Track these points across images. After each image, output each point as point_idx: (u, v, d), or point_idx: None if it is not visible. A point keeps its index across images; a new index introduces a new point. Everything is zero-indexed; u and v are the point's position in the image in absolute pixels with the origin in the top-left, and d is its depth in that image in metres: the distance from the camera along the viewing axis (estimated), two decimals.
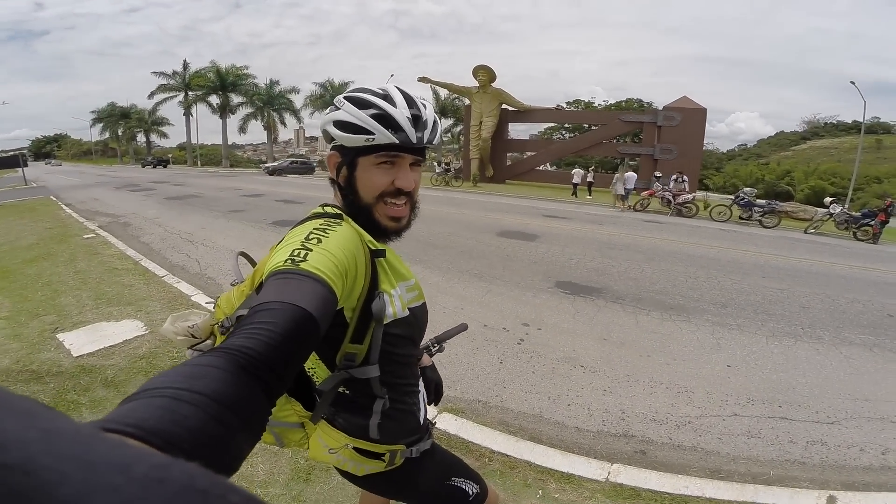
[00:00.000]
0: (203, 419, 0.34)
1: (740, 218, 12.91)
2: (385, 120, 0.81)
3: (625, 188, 15.01)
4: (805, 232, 11.84)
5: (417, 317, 0.94)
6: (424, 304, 0.98)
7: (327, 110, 0.87)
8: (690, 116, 20.56)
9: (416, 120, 0.84)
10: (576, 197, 18.13)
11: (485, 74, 22.86)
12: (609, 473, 2.18)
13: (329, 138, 0.87)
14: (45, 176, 29.75)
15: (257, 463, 2.12)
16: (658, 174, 16.05)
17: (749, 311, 4.59)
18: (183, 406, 0.34)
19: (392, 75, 39.64)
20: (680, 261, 6.76)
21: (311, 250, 0.69)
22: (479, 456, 2.28)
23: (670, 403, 2.86)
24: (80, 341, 3.40)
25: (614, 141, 23.28)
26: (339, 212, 0.86)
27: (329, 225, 0.78)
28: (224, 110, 39.79)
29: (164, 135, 53.60)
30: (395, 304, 0.86)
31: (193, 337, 0.80)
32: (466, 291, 4.91)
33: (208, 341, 0.82)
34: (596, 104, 49.63)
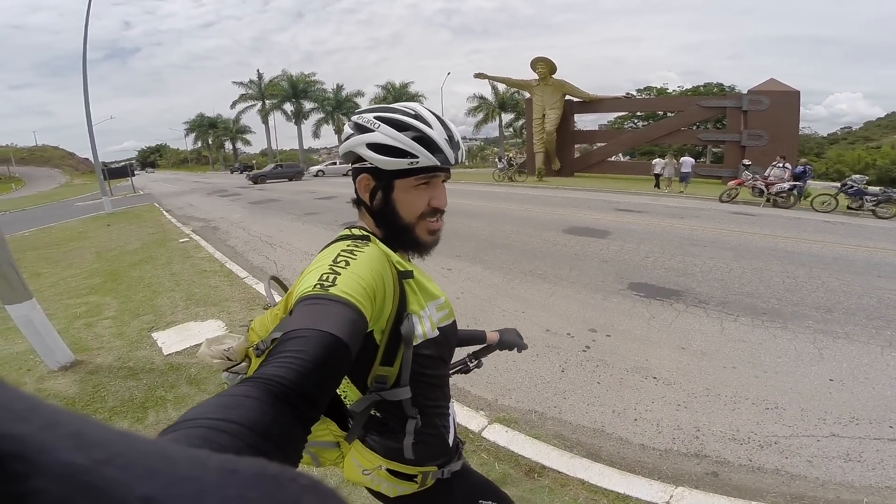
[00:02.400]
0: (240, 448, 0.34)
1: (849, 208, 11.34)
2: (426, 142, 0.82)
3: (681, 172, 15.58)
4: None
5: (448, 336, 0.93)
6: (454, 322, 0.97)
7: (352, 130, 0.86)
8: (781, 99, 18.52)
9: (451, 140, 0.85)
10: (658, 189, 16.95)
11: (544, 66, 22.13)
12: (671, 497, 1.99)
13: (354, 159, 0.86)
14: (150, 184, 33.56)
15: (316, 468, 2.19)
16: (747, 162, 14.58)
17: (860, 316, 3.99)
18: (221, 436, 0.34)
19: (448, 73, 40.02)
20: (776, 258, 6.05)
21: (339, 274, 0.69)
22: (528, 471, 2.18)
23: (755, 421, 2.57)
24: (171, 340, 3.75)
25: (693, 128, 21.54)
26: (365, 233, 0.86)
27: (356, 247, 0.78)
28: (298, 116, 42.32)
29: (247, 142, 57.96)
30: (424, 325, 0.86)
31: (229, 360, 0.81)
32: (528, 293, 4.76)
33: (243, 363, 0.83)
34: (670, 90, 46.23)
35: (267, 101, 42.68)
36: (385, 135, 0.81)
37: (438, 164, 0.83)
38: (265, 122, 44.94)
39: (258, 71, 43.34)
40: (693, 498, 1.99)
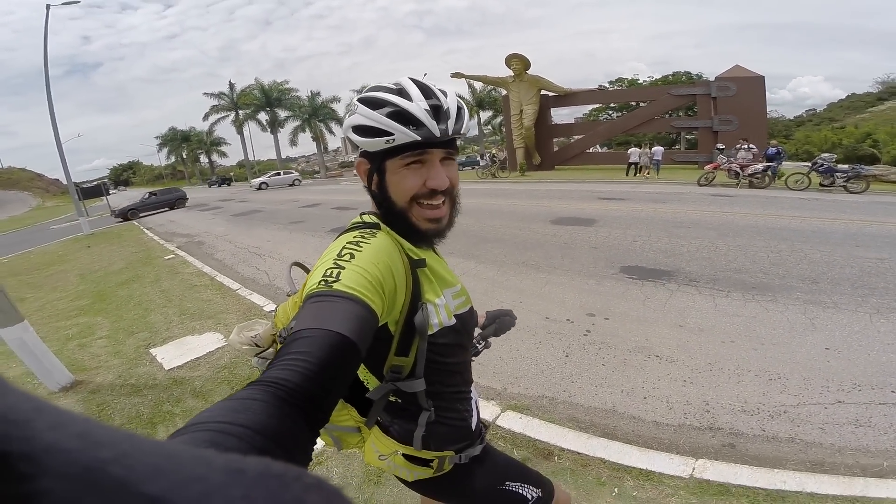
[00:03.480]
0: (246, 451, 0.35)
1: (821, 185, 11.73)
2: (402, 117, 0.75)
3: (654, 160, 16.56)
4: None
5: (465, 323, 0.91)
6: (472, 308, 0.95)
7: (347, 115, 0.83)
8: (747, 85, 19.20)
9: (437, 111, 0.78)
10: (633, 176, 17.36)
11: (518, 63, 22.38)
12: (694, 469, 2.03)
13: (354, 145, 0.83)
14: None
15: (332, 467, 2.21)
16: (721, 146, 14.99)
17: (845, 285, 4.14)
18: (228, 439, 0.35)
19: (425, 74, 39.58)
20: (758, 234, 6.24)
21: (343, 268, 0.67)
22: (547, 455, 2.22)
23: (761, 392, 2.64)
24: (170, 355, 3.69)
25: (666, 116, 22.03)
26: (376, 220, 0.84)
27: (363, 237, 0.76)
28: (273, 125, 41.79)
29: (223, 154, 56.94)
30: (440, 314, 0.84)
31: (257, 346, 0.81)
32: (524, 284, 4.82)
33: (271, 349, 0.83)
34: (641, 81, 47.21)
35: (240, 112, 42.01)
36: (362, 115, 0.77)
37: (418, 138, 0.75)
38: (240, 132, 44.18)
39: (230, 81, 42.42)
40: (716, 469, 2.03)
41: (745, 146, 13.69)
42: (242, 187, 35.22)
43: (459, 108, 0.81)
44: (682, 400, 2.62)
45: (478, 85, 33.70)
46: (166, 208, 21.65)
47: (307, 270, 0.98)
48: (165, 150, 57.43)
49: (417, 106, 0.76)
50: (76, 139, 41.20)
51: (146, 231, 13.30)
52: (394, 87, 0.80)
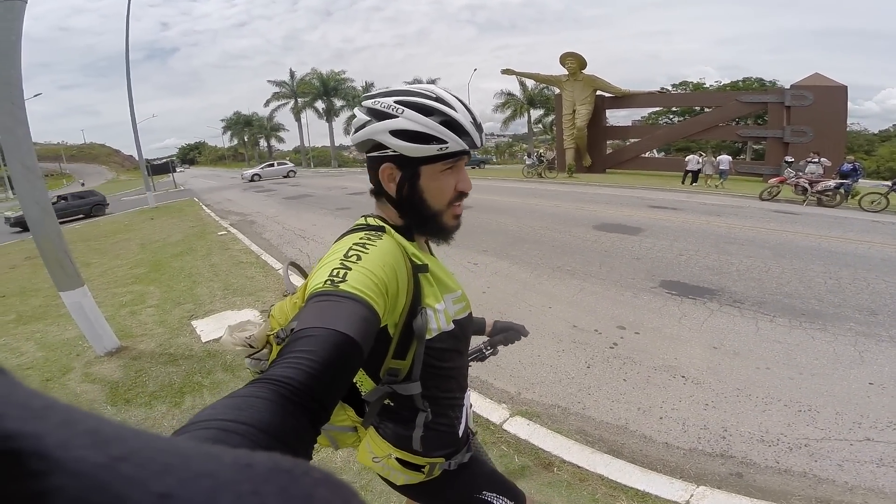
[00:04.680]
0: (250, 449, 0.36)
1: None
2: (452, 126, 0.78)
3: (719, 169, 15.87)
4: None
5: (464, 328, 0.92)
6: (471, 314, 0.96)
7: (367, 116, 0.81)
8: (827, 94, 17.63)
9: (475, 123, 0.83)
10: (690, 185, 16.51)
11: (574, 62, 21.78)
12: (692, 496, 1.95)
13: (372, 147, 0.82)
14: (190, 180, 34.93)
15: (335, 451, 2.28)
16: (789, 158, 13.94)
17: None
18: (231, 437, 0.35)
19: (475, 69, 39.59)
20: (818, 258, 5.79)
21: (349, 269, 0.68)
22: (547, 465, 2.18)
23: (786, 423, 2.49)
24: (209, 328, 3.92)
25: (732, 123, 20.73)
26: (381, 223, 0.84)
27: (369, 239, 0.77)
28: (329, 114, 43.09)
29: (281, 139, 59.46)
30: (439, 319, 0.84)
31: (251, 347, 0.81)
32: (556, 289, 4.73)
33: (265, 350, 0.82)
34: (707, 85, 44.62)
35: (299, 99, 43.60)
36: (411, 120, 0.77)
37: (467, 147, 0.80)
38: (297, 119, 45.89)
39: (290, 69, 44.12)
40: (714, 498, 1.95)
41: (816, 159, 12.68)
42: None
43: (480, 121, 0.86)
44: (699, 424, 2.51)
45: (529, 82, 33.12)
46: (81, 216, 16.55)
47: (303, 271, 1.02)
48: (229, 133, 60.60)
49: (464, 117, 0.80)
50: (151, 119, 44.36)
51: (205, 207, 14.15)
52: (431, 94, 0.81)
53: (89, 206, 16.95)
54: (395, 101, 0.79)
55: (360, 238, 0.77)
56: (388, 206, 0.87)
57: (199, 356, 3.42)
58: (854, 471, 2.14)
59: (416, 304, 0.80)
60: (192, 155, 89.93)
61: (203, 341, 3.67)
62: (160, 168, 26.51)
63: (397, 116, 0.78)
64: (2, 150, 3.11)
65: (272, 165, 30.84)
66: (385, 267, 0.72)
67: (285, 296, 0.89)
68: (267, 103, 45.26)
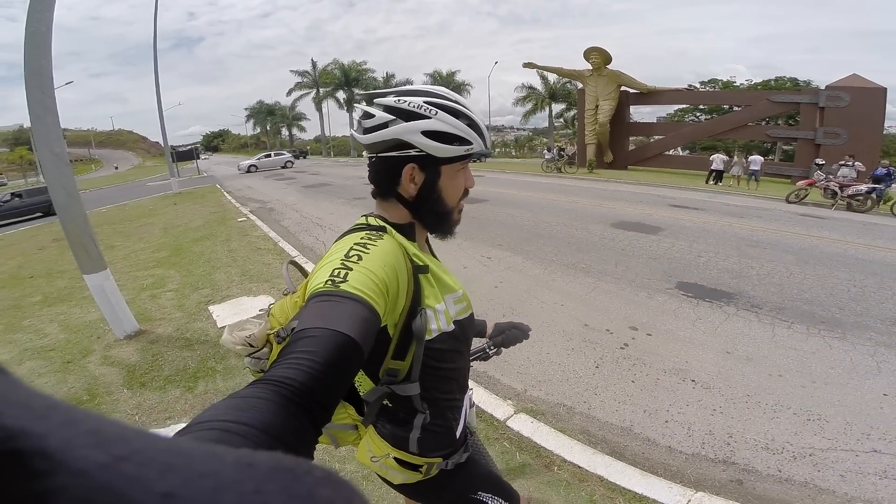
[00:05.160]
0: (252, 449, 0.37)
1: None
2: (477, 129, 0.83)
3: (750, 169, 15.52)
4: None
5: (465, 329, 0.92)
6: (472, 315, 0.96)
7: (390, 116, 0.80)
8: (864, 96, 16.88)
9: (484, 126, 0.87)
10: (714, 185, 16.11)
11: (598, 56, 21.34)
12: (689, 501, 1.95)
13: (391, 147, 0.81)
14: (213, 167, 35.59)
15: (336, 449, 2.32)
16: (820, 161, 13.46)
17: None
18: (232, 438, 0.35)
19: (496, 62, 39.33)
20: (843, 265, 5.60)
21: (350, 269, 0.68)
22: (548, 463, 2.19)
23: (793, 432, 2.45)
24: (225, 313, 4.02)
25: (762, 123, 20.06)
26: (382, 224, 0.84)
27: (370, 239, 0.77)
28: (349, 104, 43.27)
29: (302, 128, 60.04)
30: (439, 320, 0.85)
31: (251, 346, 0.81)
32: (570, 287, 4.69)
33: (265, 349, 0.82)
34: (737, 84, 43.20)
35: (321, 89, 43.90)
36: (444, 122, 0.79)
37: (487, 149, 0.85)
38: (319, 109, 46.26)
39: (312, 59, 44.44)
40: None
41: (850, 163, 12.21)
42: (315, 161, 36.63)
43: None
44: (704, 429, 2.49)
45: (551, 76, 32.64)
46: (39, 214, 15.11)
47: (303, 270, 1.03)
48: (252, 122, 61.43)
49: (480, 120, 0.84)
50: (176, 107, 45.13)
51: (226, 194, 14.43)
52: (452, 97, 0.84)
53: (48, 204, 14.00)
54: (426, 102, 0.80)
55: (361, 238, 0.77)
56: (395, 205, 0.87)
57: (214, 341, 3.50)
58: (856, 482, 2.11)
59: (415, 305, 0.80)
60: (215, 142, 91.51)
61: (219, 326, 3.76)
62: (184, 155, 27.05)
63: (430, 118, 0.79)
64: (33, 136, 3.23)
65: (269, 156, 29.56)
66: (386, 267, 0.72)
67: (285, 294, 0.90)
68: (289, 92, 45.79)
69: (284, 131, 62.40)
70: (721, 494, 2.02)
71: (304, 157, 46.47)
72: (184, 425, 0.37)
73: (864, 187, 11.14)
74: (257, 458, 0.19)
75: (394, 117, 0.79)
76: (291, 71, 44.86)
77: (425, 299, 0.83)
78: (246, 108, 60.61)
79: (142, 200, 15.24)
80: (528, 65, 25.60)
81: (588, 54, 21.66)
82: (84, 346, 3.62)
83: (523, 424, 2.46)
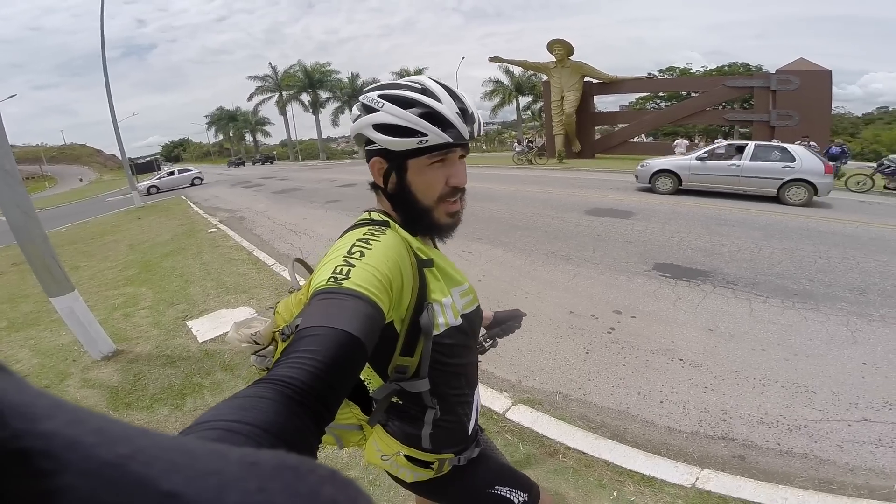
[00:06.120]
0: (255, 448, 0.36)
1: (886, 188, 10.87)
2: (434, 118, 0.76)
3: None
4: None
5: (472, 323, 0.90)
6: (479, 307, 0.94)
7: (359, 111, 0.81)
8: (811, 79, 17.90)
9: (464, 114, 0.79)
10: None
11: (561, 48, 21.73)
12: (697, 479, 1.98)
13: (364, 142, 0.81)
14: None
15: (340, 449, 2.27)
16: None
17: None
18: (235, 437, 0.35)
19: (463, 58, 39.19)
20: (807, 238, 5.88)
21: (353, 266, 0.67)
22: (552, 452, 2.20)
23: (784, 405, 2.52)
24: (205, 328, 3.87)
25: (720, 108, 20.85)
26: (385, 218, 0.83)
27: (373, 234, 0.76)
28: (315, 106, 42.64)
29: (267, 133, 58.62)
30: (446, 314, 0.83)
31: (256, 343, 0.79)
32: (552, 275, 4.74)
33: (270, 347, 0.81)
34: (694, 70, 44.80)
35: (284, 92, 43.02)
36: (390, 114, 0.76)
37: (450, 140, 0.77)
38: (283, 113, 45.34)
39: (270, 63, 43.64)
40: (719, 480, 1.97)
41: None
42: (283, 166, 35.90)
43: (475, 111, 0.83)
44: (699, 407, 2.54)
45: (517, 70, 33.02)
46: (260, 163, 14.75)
47: (308, 267, 1.00)
48: (213, 129, 59.69)
49: (448, 108, 0.77)
50: (131, 117, 43.22)
51: (192, 205, 13.93)
52: (417, 86, 0.79)
53: (265, 159, 13.93)
54: (378, 95, 0.78)
55: (364, 234, 0.76)
56: (385, 200, 0.86)
57: (197, 357, 3.37)
58: (854, 451, 2.17)
59: (421, 300, 0.79)
60: (176, 152, 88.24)
61: (200, 341, 3.62)
62: (145, 167, 26.08)
63: (378, 110, 0.77)
64: None
65: (173, 174, 25.92)
66: (389, 262, 0.71)
67: (290, 292, 0.87)
68: (250, 97, 44.69)
69: (249, 137, 60.89)
70: (726, 470, 2.06)
71: (272, 163, 45.48)
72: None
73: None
74: (261, 457, 0.19)
75: (360, 112, 0.80)
76: (249, 77, 43.70)
77: (431, 294, 0.81)
78: (206, 116, 59.03)
79: (103, 217, 14.54)
80: (494, 59, 25.74)
81: (551, 46, 21.98)
82: (60, 370, 3.42)
83: (522, 415, 2.47)
